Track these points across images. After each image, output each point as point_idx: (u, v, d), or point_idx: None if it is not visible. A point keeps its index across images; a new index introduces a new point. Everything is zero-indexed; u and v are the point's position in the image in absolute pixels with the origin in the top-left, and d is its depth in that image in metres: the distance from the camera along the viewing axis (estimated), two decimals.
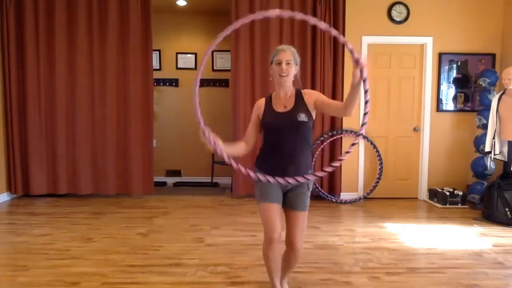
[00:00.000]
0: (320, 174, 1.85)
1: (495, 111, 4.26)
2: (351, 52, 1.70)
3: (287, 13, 1.78)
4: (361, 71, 1.73)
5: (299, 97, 2.23)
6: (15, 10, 4.89)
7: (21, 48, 4.94)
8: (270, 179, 1.74)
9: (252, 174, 1.80)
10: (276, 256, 2.22)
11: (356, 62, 1.72)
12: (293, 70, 2.20)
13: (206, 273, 2.79)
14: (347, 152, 1.78)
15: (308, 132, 2.21)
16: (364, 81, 1.74)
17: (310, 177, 1.99)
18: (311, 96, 2.23)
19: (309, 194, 2.25)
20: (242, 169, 1.77)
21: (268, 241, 2.15)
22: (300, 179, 1.77)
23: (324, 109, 2.21)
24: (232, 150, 2.16)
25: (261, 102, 2.30)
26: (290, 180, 1.73)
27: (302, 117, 2.15)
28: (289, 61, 2.17)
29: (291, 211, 2.20)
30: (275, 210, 2.16)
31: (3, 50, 4.91)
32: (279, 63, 2.17)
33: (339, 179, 5.11)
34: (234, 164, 1.78)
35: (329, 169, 1.82)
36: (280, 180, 1.73)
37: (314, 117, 2.24)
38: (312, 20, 1.78)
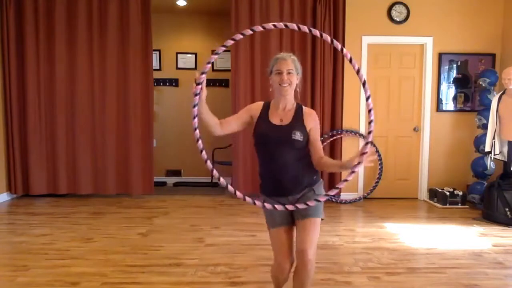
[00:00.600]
0: (333, 192, 1.73)
1: (495, 111, 4.26)
2: (368, 134, 1.75)
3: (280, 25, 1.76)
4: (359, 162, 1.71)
5: (299, 113, 2.05)
6: (15, 10, 4.89)
7: (21, 48, 4.94)
8: (278, 207, 1.70)
9: (258, 203, 1.75)
10: (286, 279, 2.12)
11: (362, 154, 1.70)
12: (295, 79, 2.03)
13: (206, 273, 2.79)
14: (359, 163, 1.72)
15: (303, 149, 2.03)
16: (368, 98, 1.69)
17: (322, 198, 1.85)
18: (312, 119, 2.07)
19: (321, 204, 2.03)
20: (248, 199, 1.73)
21: (277, 266, 2.07)
22: (310, 203, 1.71)
23: (310, 143, 2.06)
24: (208, 117, 1.98)
25: (258, 107, 2.12)
26: (300, 206, 1.69)
27: (298, 135, 1.98)
28: (290, 71, 2.00)
29: (299, 220, 2.01)
30: (285, 234, 2.05)
31: (3, 50, 4.91)
32: (280, 73, 2.00)
33: (339, 179, 5.10)
34: (240, 195, 1.74)
35: (342, 185, 1.74)
36: (290, 207, 1.70)
37: (309, 136, 2.05)
38: (316, 32, 1.77)
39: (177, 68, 6.30)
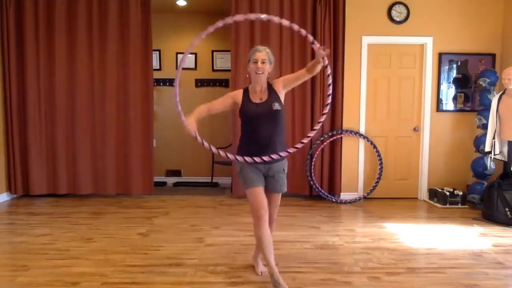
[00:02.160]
0: (291, 150, 2.34)
1: (495, 111, 4.26)
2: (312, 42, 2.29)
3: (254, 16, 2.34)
4: (323, 58, 2.25)
5: (270, 89, 2.55)
6: (15, 10, 4.89)
7: (21, 48, 4.94)
8: (250, 159, 2.28)
9: (239, 157, 2.32)
10: (267, 234, 2.49)
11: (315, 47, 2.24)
12: (268, 68, 2.50)
13: (206, 273, 2.79)
14: (313, 130, 2.34)
15: (281, 119, 2.53)
16: (328, 72, 2.32)
17: (283, 153, 2.38)
18: (279, 83, 2.56)
19: (285, 176, 2.62)
20: (230, 155, 2.31)
21: (257, 219, 2.47)
22: (274, 156, 2.31)
23: (292, 84, 2.57)
24: (202, 114, 2.49)
25: (239, 93, 2.59)
26: (266, 158, 2.30)
27: (276, 106, 2.48)
28: (264, 60, 2.48)
29: (272, 194, 2.60)
30: (261, 192, 2.51)
31: (3, 50, 4.91)
32: (256, 62, 2.47)
33: (339, 179, 5.11)
34: (214, 150, 2.30)
35: (299, 145, 2.33)
36: (258, 159, 2.29)
37: (283, 103, 2.55)
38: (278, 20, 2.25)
39: (177, 68, 6.29)
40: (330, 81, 2.39)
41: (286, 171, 2.62)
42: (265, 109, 2.48)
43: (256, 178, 2.51)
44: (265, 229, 2.49)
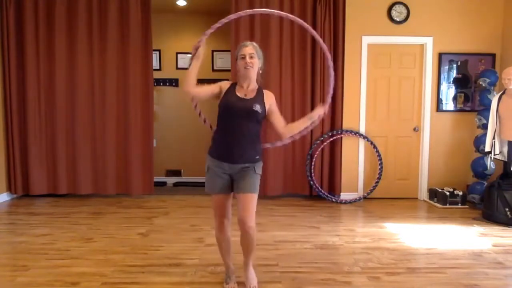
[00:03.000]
0: (268, 145, 2.63)
1: (495, 111, 4.26)
2: (330, 82, 2.54)
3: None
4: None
5: (260, 92, 2.44)
6: (15, 10, 4.89)
7: (21, 48, 4.94)
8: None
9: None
10: (226, 240, 2.53)
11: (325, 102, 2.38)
12: (257, 62, 2.39)
13: (206, 273, 2.80)
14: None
15: (258, 124, 2.41)
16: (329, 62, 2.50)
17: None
18: (270, 97, 2.46)
19: (257, 176, 2.42)
20: (207, 122, 2.56)
21: (216, 226, 2.50)
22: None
23: (270, 117, 2.46)
24: (192, 75, 2.35)
25: (227, 83, 2.48)
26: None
27: (257, 107, 2.35)
28: (252, 55, 2.36)
29: (240, 194, 2.38)
30: (221, 200, 2.45)
31: (3, 50, 4.91)
32: (243, 57, 2.37)
33: (339, 179, 5.11)
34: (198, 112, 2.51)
35: (278, 143, 2.50)
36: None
37: (266, 114, 2.43)
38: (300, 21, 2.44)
39: (177, 68, 6.30)
40: (332, 74, 2.50)
41: (258, 172, 2.43)
42: (245, 106, 2.34)
43: (219, 183, 2.41)
44: (224, 234, 2.50)
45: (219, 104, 2.42)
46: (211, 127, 2.53)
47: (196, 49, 2.33)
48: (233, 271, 2.62)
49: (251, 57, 2.36)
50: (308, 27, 2.53)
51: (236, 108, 2.34)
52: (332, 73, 2.55)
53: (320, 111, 2.40)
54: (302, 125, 2.42)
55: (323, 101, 5.00)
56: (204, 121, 2.57)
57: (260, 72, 2.46)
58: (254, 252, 2.51)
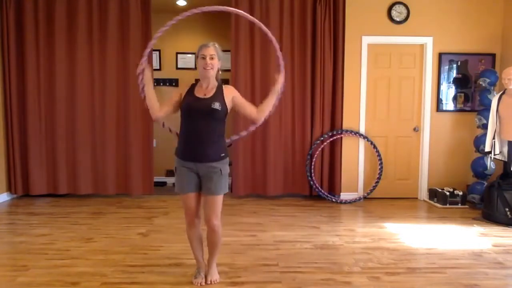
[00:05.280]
0: (234, 137, 2.82)
1: (495, 111, 4.26)
2: (279, 57, 2.60)
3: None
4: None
5: (219, 89, 2.49)
6: (15, 10, 4.89)
7: (21, 48, 4.94)
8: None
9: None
10: (196, 237, 2.60)
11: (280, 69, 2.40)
12: (217, 63, 2.45)
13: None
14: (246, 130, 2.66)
15: (219, 121, 2.45)
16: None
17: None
18: (230, 92, 2.51)
19: (223, 178, 2.48)
20: (173, 130, 2.71)
21: (187, 223, 2.57)
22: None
23: (239, 109, 2.54)
24: (153, 100, 2.47)
25: (186, 86, 2.54)
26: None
27: (216, 105, 2.40)
28: (212, 56, 2.41)
29: (206, 196, 2.48)
30: (190, 198, 2.51)
31: (3, 50, 4.91)
32: (204, 58, 2.41)
33: (339, 179, 5.11)
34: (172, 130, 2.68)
35: (235, 136, 2.76)
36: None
37: (229, 110, 2.49)
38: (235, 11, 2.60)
39: (177, 68, 6.30)
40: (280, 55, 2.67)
41: (225, 173, 2.49)
42: (204, 106, 2.40)
43: (187, 183, 2.48)
44: (194, 231, 2.58)
45: (180, 107, 2.49)
46: (177, 134, 2.60)
47: (141, 74, 2.43)
48: (204, 267, 2.69)
49: (212, 58, 2.41)
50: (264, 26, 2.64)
51: (195, 109, 2.41)
52: (279, 54, 2.70)
53: (280, 81, 2.50)
54: (271, 101, 2.52)
55: (323, 99, 5.02)
56: (170, 130, 2.70)
57: (220, 73, 2.52)
58: (219, 250, 2.64)
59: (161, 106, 2.49)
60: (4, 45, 4.89)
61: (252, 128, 2.65)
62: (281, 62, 2.64)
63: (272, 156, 5.02)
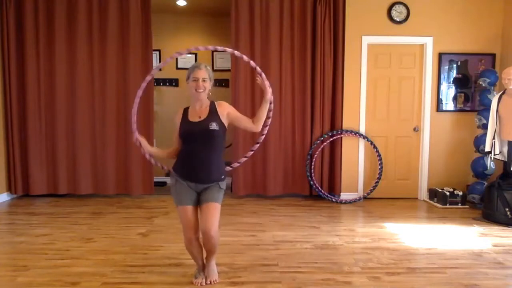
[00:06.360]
0: (235, 165, 2.89)
1: (495, 111, 4.25)
2: (256, 67, 2.61)
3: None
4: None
5: (212, 108, 2.51)
6: (15, 10, 4.89)
7: (21, 48, 4.94)
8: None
9: (174, 174, 2.49)
10: (196, 250, 2.57)
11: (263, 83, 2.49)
12: (208, 85, 2.48)
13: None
14: (251, 150, 2.72)
15: (219, 140, 2.48)
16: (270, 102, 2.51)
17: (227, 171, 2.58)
18: (224, 108, 2.53)
19: (221, 191, 2.54)
20: (166, 168, 2.59)
21: (186, 239, 2.50)
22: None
23: (235, 123, 2.56)
24: (160, 154, 2.58)
25: (179, 114, 2.56)
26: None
27: (214, 126, 2.42)
28: (205, 78, 2.44)
29: (203, 205, 2.47)
30: (189, 211, 2.47)
31: (3, 50, 4.91)
32: (196, 80, 2.43)
33: (339, 179, 5.11)
34: (153, 162, 2.58)
35: (235, 164, 2.81)
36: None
37: (227, 126, 2.52)
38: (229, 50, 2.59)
39: (177, 68, 6.31)
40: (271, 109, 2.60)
41: (223, 188, 2.56)
42: (202, 128, 2.42)
43: (185, 197, 2.48)
44: (193, 245, 2.54)
45: (178, 135, 2.52)
46: (168, 171, 2.61)
47: (139, 144, 2.52)
48: (199, 271, 2.69)
49: (204, 81, 2.44)
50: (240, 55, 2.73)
51: (194, 133, 2.44)
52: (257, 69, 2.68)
53: (267, 89, 2.47)
54: (265, 110, 2.53)
55: (323, 99, 5.02)
56: (162, 167, 2.68)
57: (210, 94, 2.54)
58: (216, 253, 2.62)
59: (173, 144, 2.58)
60: (4, 45, 4.89)
61: (254, 147, 2.75)
62: (259, 70, 2.64)
63: (272, 156, 5.02)
